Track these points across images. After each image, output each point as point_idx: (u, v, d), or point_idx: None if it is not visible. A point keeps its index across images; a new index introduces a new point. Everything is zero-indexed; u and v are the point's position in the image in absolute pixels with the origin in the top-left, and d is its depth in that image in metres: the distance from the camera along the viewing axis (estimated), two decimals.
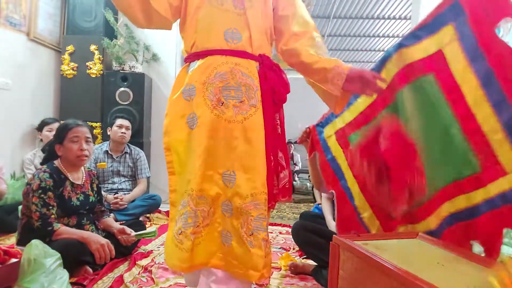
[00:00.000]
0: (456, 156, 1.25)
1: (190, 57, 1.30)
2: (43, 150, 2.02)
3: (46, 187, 1.77)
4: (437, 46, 1.27)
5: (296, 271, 1.93)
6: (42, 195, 1.76)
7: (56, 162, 1.90)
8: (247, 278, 1.21)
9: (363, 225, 1.44)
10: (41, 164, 1.98)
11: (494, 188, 1.17)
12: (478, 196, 1.20)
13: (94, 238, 1.78)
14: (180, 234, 1.22)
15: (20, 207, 1.90)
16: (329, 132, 1.58)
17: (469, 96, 1.20)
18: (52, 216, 1.76)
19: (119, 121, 3.10)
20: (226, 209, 1.22)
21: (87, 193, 1.98)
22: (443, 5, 1.27)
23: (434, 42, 1.28)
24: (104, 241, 1.80)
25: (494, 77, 1.15)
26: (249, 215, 1.19)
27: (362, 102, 1.47)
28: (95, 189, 2.06)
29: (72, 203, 1.89)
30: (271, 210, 1.30)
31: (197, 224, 1.21)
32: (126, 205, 2.91)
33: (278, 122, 1.35)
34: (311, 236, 1.80)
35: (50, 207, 1.76)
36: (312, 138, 1.63)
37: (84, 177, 2.00)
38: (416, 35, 1.32)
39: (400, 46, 1.37)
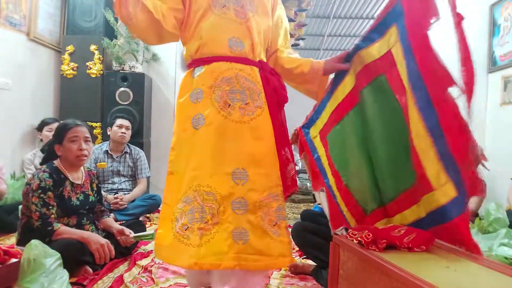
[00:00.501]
0: (404, 165, 1.21)
1: (195, 63, 1.37)
2: (42, 150, 2.01)
3: (45, 187, 1.77)
4: (386, 47, 1.26)
5: (296, 271, 1.93)
6: (42, 195, 1.76)
7: (56, 162, 1.90)
8: (277, 266, 1.33)
9: (347, 222, 1.45)
10: (41, 164, 1.98)
11: (423, 207, 1.14)
12: (418, 212, 1.17)
13: (94, 238, 1.78)
14: (186, 229, 1.22)
15: (20, 207, 1.90)
16: (314, 133, 1.59)
17: (409, 99, 1.15)
18: (52, 216, 1.76)
19: (119, 121, 3.10)
20: (239, 207, 1.23)
21: (87, 193, 1.98)
22: (390, 5, 1.27)
23: (384, 42, 1.28)
24: (104, 241, 1.80)
25: (422, 80, 1.11)
26: (270, 207, 1.26)
27: (332, 103, 1.50)
28: (95, 189, 2.06)
29: (72, 203, 1.89)
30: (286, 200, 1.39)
31: (204, 220, 1.21)
32: (126, 205, 2.91)
33: (283, 120, 1.45)
34: (311, 237, 1.80)
35: (50, 207, 1.76)
36: (300, 140, 1.65)
37: (83, 176, 2.00)
38: (370, 38, 1.33)
39: (357, 48, 1.38)
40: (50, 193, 1.79)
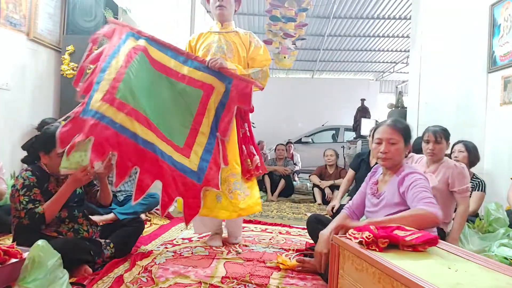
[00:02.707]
0: (181, 132, 2.16)
1: None
2: (24, 148, 1.94)
3: (30, 184, 1.75)
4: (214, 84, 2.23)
5: (304, 266, 1.91)
6: (28, 192, 1.74)
7: (39, 163, 1.88)
8: (230, 217, 2.20)
9: (164, 161, 2.02)
10: (22, 161, 1.95)
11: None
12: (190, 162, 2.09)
13: (72, 177, 1.78)
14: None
15: None
16: (95, 104, 1.88)
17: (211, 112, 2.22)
18: (37, 210, 1.73)
19: None
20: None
21: None
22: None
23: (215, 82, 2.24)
24: (78, 171, 1.78)
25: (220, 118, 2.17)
26: (230, 182, 2.17)
27: (111, 72, 1.99)
28: None
29: None
30: (252, 178, 2.34)
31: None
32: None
33: (247, 128, 2.36)
34: (322, 228, 1.78)
35: (36, 203, 1.74)
36: (75, 124, 1.82)
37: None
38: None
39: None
40: (36, 190, 1.76)
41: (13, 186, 1.78)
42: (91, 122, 1.82)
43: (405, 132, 1.73)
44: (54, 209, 1.77)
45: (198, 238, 2.56)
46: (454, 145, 2.97)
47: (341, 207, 2.55)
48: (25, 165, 1.92)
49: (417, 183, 1.57)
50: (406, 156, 1.80)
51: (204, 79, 2.18)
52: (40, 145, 1.87)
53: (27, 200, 1.73)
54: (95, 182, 2.09)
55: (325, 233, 1.69)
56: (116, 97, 1.93)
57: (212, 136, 2.13)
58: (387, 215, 1.59)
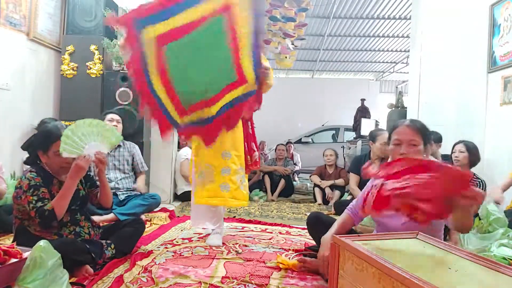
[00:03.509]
0: (226, 67, 1.93)
1: None
2: (24, 148, 1.93)
3: (36, 184, 1.75)
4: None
5: (305, 266, 1.91)
6: (36, 192, 1.74)
7: (41, 163, 1.88)
8: (242, 205, 2.43)
9: (170, 118, 2.01)
10: (25, 162, 1.94)
11: (235, 92, 1.94)
12: (230, 97, 1.95)
13: (74, 168, 1.77)
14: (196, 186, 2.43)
15: None
16: (151, 33, 1.87)
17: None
18: (45, 207, 1.73)
19: (109, 116, 3.15)
20: (225, 171, 2.33)
21: (76, 188, 1.94)
22: None
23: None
24: (80, 158, 1.78)
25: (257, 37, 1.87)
26: (240, 173, 2.39)
27: (183, 18, 1.86)
28: (83, 181, 2.01)
29: None
30: (248, 172, 2.59)
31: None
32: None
33: (250, 126, 2.57)
34: (324, 228, 1.78)
35: (45, 200, 1.74)
36: (128, 32, 1.87)
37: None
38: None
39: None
40: (43, 189, 1.76)
41: (18, 187, 1.76)
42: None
43: (425, 132, 1.63)
44: (63, 204, 1.76)
45: (198, 238, 2.56)
46: (454, 145, 2.97)
47: (345, 203, 2.55)
48: (27, 166, 1.92)
49: None
50: None
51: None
52: (38, 144, 1.86)
53: (36, 199, 1.73)
54: (97, 183, 2.08)
55: (327, 237, 1.69)
56: (165, 45, 1.91)
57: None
58: None
